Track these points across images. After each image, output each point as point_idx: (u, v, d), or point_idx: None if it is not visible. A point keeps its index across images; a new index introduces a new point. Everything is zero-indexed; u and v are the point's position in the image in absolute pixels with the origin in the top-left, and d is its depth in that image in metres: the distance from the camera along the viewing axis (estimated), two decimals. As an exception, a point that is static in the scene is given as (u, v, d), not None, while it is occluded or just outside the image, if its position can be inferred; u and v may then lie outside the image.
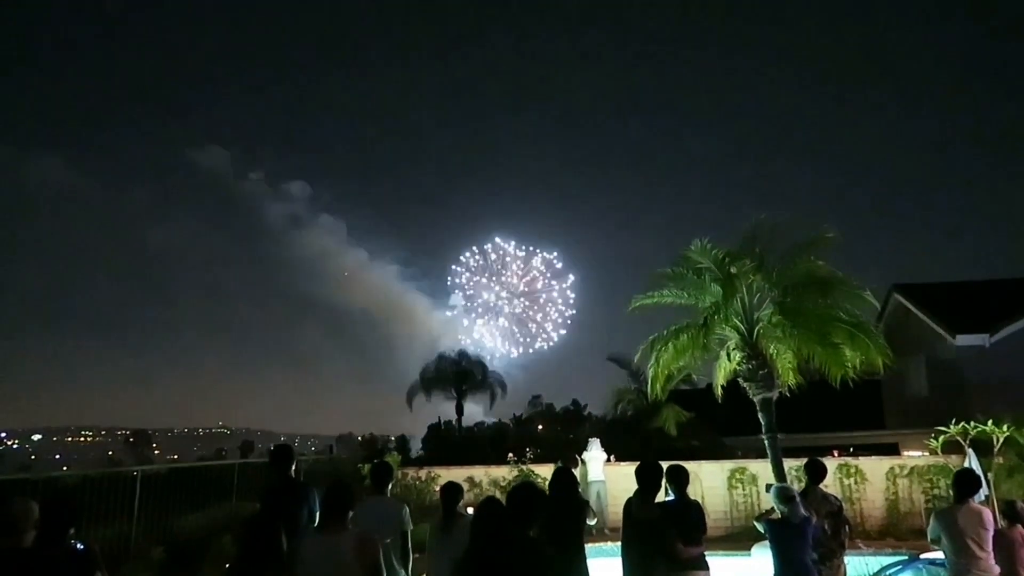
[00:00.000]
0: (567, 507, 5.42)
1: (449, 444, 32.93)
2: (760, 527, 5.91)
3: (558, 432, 38.90)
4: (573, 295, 62.71)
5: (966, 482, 5.81)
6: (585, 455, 14.34)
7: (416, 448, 38.51)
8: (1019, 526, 5.96)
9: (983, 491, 11.14)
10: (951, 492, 13.38)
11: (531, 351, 62.42)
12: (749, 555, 9.53)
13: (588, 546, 5.50)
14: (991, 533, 5.51)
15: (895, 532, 13.05)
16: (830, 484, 12.03)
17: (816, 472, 6.74)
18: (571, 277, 63.04)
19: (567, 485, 5.71)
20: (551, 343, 62.14)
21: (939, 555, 9.27)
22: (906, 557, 9.61)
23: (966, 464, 12.01)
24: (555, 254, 63.33)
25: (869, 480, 13.81)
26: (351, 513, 4.20)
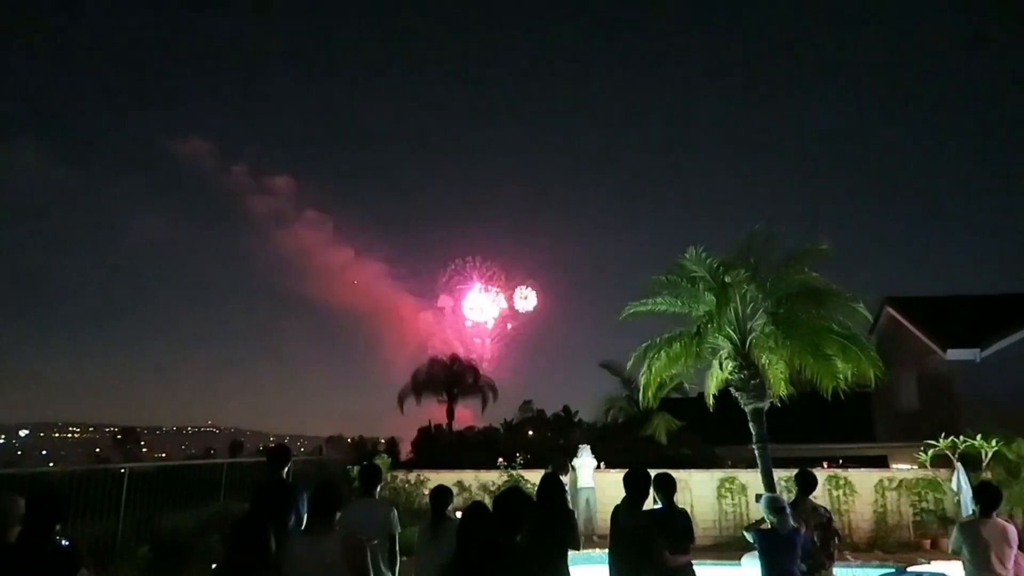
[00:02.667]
0: (553, 514, 5.40)
1: (439, 447, 32.84)
2: (750, 537, 5.92)
3: (548, 438, 38.88)
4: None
5: (990, 496, 5.68)
6: (575, 461, 14.32)
7: (406, 451, 38.40)
8: None
9: (972, 506, 11.19)
10: (939, 506, 13.51)
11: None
12: (739, 564, 9.52)
13: (577, 553, 5.47)
14: (1014, 551, 5.42)
15: (883, 545, 13.06)
16: (819, 495, 12.05)
17: (807, 483, 6.76)
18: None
19: (554, 492, 5.70)
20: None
21: (926, 568, 9.35)
22: (893, 570, 9.63)
23: (955, 478, 12.05)
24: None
25: (858, 492, 13.83)
26: (338, 514, 4.18)
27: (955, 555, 5.82)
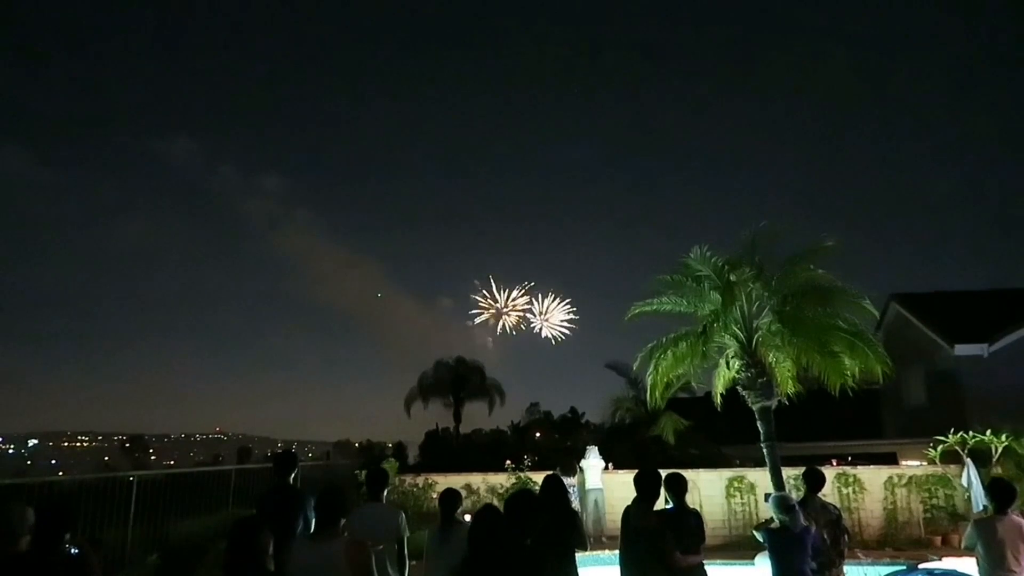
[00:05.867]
0: (558, 515, 5.40)
1: (446, 451, 32.84)
2: (759, 536, 5.89)
3: (556, 439, 38.87)
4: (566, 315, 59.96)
5: (1005, 492, 5.62)
6: (583, 463, 14.32)
7: (413, 455, 38.43)
8: None
9: (981, 500, 11.14)
10: (949, 502, 13.49)
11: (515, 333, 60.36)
12: (753, 564, 9.50)
13: (586, 554, 5.47)
14: None
15: (893, 542, 13.02)
16: (828, 493, 12.02)
17: (815, 481, 6.74)
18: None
19: (557, 493, 5.70)
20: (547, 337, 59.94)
21: (938, 565, 9.31)
22: (904, 567, 9.59)
23: (964, 474, 12.00)
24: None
25: (867, 489, 13.79)
26: (343, 520, 4.18)
27: (968, 551, 5.79)
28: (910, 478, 13.84)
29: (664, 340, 11.19)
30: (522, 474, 15.31)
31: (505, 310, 61.06)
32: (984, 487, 11.26)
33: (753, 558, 9.74)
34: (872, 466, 14.65)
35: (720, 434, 20.08)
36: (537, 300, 59.69)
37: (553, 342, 58.54)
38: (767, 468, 10.69)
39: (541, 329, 59.10)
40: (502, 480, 15.21)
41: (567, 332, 58.66)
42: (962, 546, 5.95)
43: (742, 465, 16.67)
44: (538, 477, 14.37)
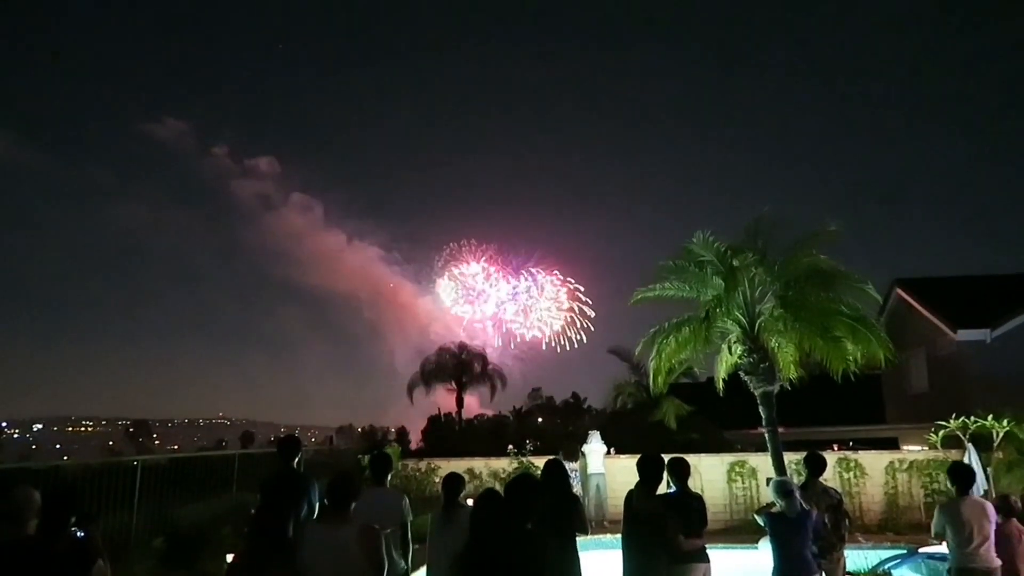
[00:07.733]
0: (559, 499, 5.43)
1: (449, 436, 32.98)
2: (760, 521, 5.92)
3: (558, 424, 39.00)
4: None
5: (965, 475, 5.90)
6: (585, 448, 14.36)
7: (416, 440, 38.58)
8: (1014, 520, 6.02)
9: (982, 486, 11.17)
10: (949, 486, 13.48)
11: (525, 339, 59.02)
12: (756, 548, 9.55)
13: (588, 538, 5.50)
14: (994, 526, 5.59)
15: (894, 526, 13.07)
16: (830, 478, 12.05)
17: (816, 466, 6.76)
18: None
19: (558, 477, 5.73)
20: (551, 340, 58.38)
21: (938, 549, 9.36)
22: (905, 551, 9.65)
23: (966, 459, 12.02)
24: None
25: (868, 474, 13.83)
26: (354, 504, 4.20)
27: (938, 537, 5.94)
28: (911, 463, 13.88)
29: (667, 325, 11.20)
30: (524, 459, 15.37)
31: (504, 301, 60.56)
32: (985, 472, 11.31)
33: (755, 542, 9.79)
34: (873, 451, 14.69)
35: (722, 419, 20.14)
36: (536, 288, 58.73)
37: (557, 346, 56.69)
38: (769, 453, 10.72)
39: (539, 321, 58.19)
40: (504, 465, 15.28)
41: (578, 322, 56.85)
42: (932, 534, 6.10)
43: (744, 450, 16.71)
44: (540, 462, 14.43)
